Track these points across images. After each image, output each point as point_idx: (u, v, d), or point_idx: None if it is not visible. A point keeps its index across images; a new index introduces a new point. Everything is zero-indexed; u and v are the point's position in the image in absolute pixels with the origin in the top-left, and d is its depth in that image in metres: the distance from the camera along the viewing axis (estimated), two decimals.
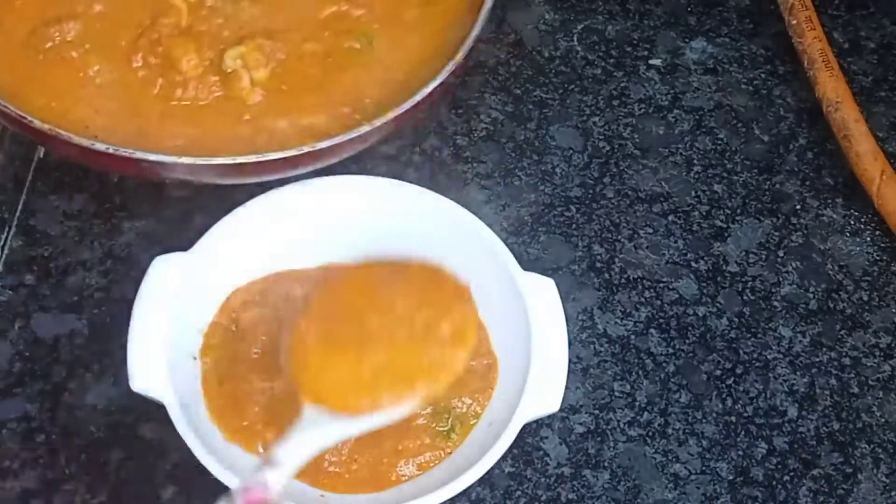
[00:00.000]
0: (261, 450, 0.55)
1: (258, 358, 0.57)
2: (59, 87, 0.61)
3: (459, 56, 0.61)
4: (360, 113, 0.62)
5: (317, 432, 0.48)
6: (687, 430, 0.61)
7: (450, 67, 0.61)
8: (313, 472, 0.55)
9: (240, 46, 0.63)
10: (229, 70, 0.62)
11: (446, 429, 0.57)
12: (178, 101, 0.62)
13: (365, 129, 0.58)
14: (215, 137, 0.61)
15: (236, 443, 0.55)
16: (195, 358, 0.57)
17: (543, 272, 0.60)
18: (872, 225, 0.69)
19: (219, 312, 0.59)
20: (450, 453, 0.56)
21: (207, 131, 0.61)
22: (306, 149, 0.58)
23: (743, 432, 0.62)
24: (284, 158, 0.57)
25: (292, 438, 0.48)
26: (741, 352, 0.64)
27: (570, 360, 0.57)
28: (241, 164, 0.57)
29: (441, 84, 0.60)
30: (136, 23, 0.63)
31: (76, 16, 0.62)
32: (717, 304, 0.66)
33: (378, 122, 0.59)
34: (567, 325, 0.58)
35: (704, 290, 0.66)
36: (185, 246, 0.58)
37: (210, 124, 0.61)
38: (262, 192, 0.60)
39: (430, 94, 0.60)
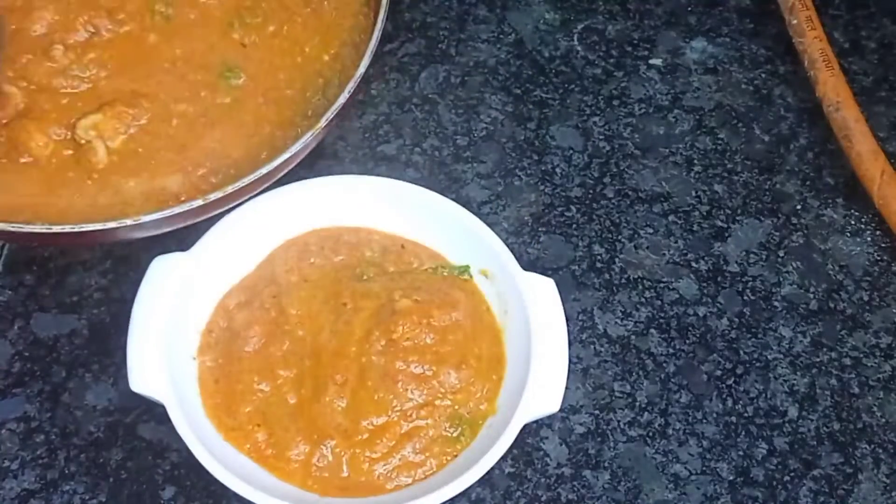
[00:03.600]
0: (247, 447, 0.55)
1: (251, 358, 0.57)
2: None
3: (322, 123, 0.58)
4: (216, 175, 0.58)
5: None
6: (687, 431, 0.61)
7: (306, 139, 0.58)
8: (301, 474, 0.55)
9: (94, 115, 0.58)
10: (83, 142, 0.58)
11: (456, 433, 0.56)
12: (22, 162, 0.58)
13: (197, 202, 0.55)
14: (55, 195, 0.57)
15: (231, 442, 0.55)
16: (194, 358, 0.57)
17: (543, 272, 0.60)
18: (873, 225, 0.69)
19: (215, 312, 0.59)
20: (456, 456, 0.56)
21: (50, 188, 0.57)
22: (129, 222, 0.54)
23: (743, 432, 0.61)
24: (98, 231, 0.54)
25: None
26: (741, 352, 0.64)
27: (570, 360, 0.57)
28: (56, 233, 0.54)
29: (295, 154, 0.58)
30: None
31: None
32: (718, 304, 0.65)
33: (213, 197, 0.55)
34: (567, 325, 0.58)
35: (705, 290, 0.66)
36: (185, 246, 0.58)
37: (54, 181, 0.58)
38: (259, 193, 0.60)
39: (282, 164, 0.57)
